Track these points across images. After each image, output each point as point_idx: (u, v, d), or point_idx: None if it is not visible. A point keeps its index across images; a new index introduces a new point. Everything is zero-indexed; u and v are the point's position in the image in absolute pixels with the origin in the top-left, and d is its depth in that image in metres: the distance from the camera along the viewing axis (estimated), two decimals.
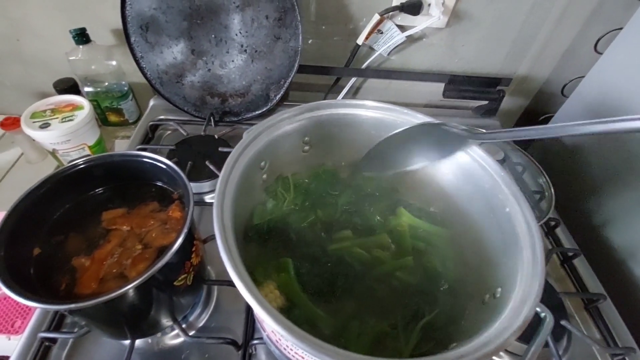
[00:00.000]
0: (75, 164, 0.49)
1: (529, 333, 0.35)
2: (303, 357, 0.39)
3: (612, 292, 0.69)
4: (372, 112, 0.55)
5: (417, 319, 0.44)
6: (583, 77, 0.92)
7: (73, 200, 0.50)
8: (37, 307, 0.36)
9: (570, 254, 0.75)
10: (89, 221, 0.49)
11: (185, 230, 0.42)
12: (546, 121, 1.05)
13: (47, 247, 0.46)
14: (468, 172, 0.50)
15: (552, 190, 0.77)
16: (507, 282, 0.39)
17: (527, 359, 0.34)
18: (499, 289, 0.40)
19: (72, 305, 0.37)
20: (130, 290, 0.39)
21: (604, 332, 0.65)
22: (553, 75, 1.07)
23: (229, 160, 0.44)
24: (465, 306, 0.45)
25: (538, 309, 0.36)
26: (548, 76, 1.08)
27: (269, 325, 0.31)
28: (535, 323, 0.35)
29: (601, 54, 0.88)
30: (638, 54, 0.78)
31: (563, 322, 0.60)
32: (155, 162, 0.50)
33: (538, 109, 1.14)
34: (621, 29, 0.82)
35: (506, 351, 0.60)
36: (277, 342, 0.42)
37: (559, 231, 0.80)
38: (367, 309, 0.46)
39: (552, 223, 0.80)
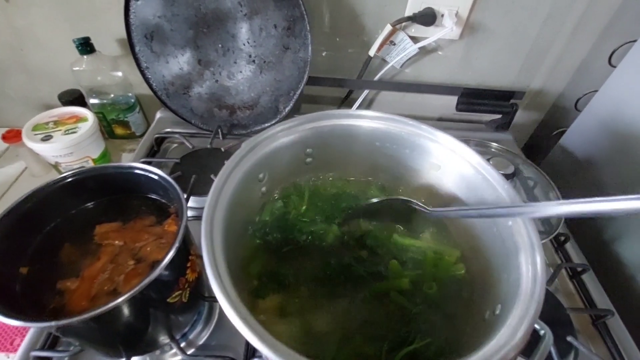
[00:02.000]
0: (64, 176, 0.47)
1: (529, 349, 0.35)
2: None
3: (620, 308, 0.69)
4: (375, 122, 0.53)
5: (402, 345, 0.42)
6: (597, 91, 0.90)
7: (63, 215, 0.48)
8: (20, 326, 0.34)
9: (579, 269, 0.74)
10: (80, 236, 0.47)
11: (176, 244, 0.40)
12: (559, 135, 1.03)
13: (35, 266, 0.44)
14: (472, 185, 0.49)
15: None
16: (508, 299, 0.38)
17: None
18: (499, 306, 0.39)
19: (61, 322, 0.35)
20: (121, 307, 0.38)
21: (611, 349, 0.63)
22: (567, 89, 1.06)
23: (222, 172, 0.43)
24: (464, 330, 0.44)
25: (537, 326, 0.36)
26: (562, 90, 1.07)
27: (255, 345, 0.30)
28: (535, 339, 0.35)
29: (615, 67, 0.86)
30: None
31: (569, 339, 0.59)
32: (148, 174, 0.48)
33: (552, 123, 1.13)
34: (635, 41, 0.81)
35: None
36: None
37: (568, 246, 0.79)
38: (356, 327, 0.45)
39: (562, 238, 0.79)
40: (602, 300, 0.70)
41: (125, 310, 0.40)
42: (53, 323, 0.35)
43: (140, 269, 0.43)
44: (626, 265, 0.79)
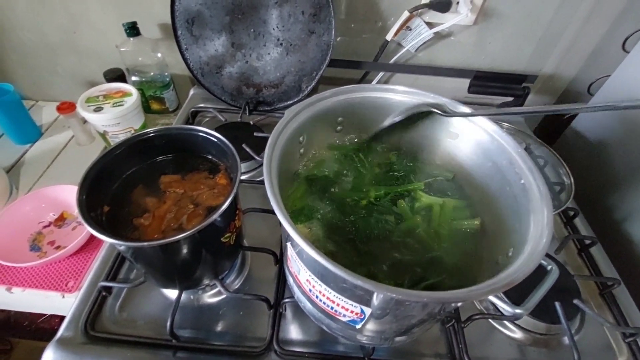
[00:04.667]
0: (144, 132, 0.56)
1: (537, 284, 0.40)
2: (334, 302, 0.44)
3: (628, 282, 0.71)
4: (400, 96, 0.59)
5: (420, 282, 0.48)
6: (609, 75, 0.93)
7: (137, 165, 0.57)
8: (111, 242, 0.42)
9: (588, 242, 0.76)
10: (150, 183, 0.56)
11: (234, 190, 0.48)
12: (571, 119, 1.06)
13: (115, 205, 0.53)
14: (487, 150, 0.54)
15: (572, 179, 0.80)
16: (519, 243, 0.42)
17: (531, 302, 0.37)
18: (512, 249, 0.44)
19: (145, 243, 0.44)
20: (187, 239, 0.46)
21: (617, 317, 0.66)
22: (580, 73, 1.08)
23: (274, 132, 0.49)
24: (477, 273, 0.49)
25: (545, 263, 0.40)
26: (575, 75, 1.09)
27: (302, 245, 0.36)
28: (543, 274, 0.40)
29: (629, 52, 0.88)
30: None
31: (576, 302, 0.63)
32: (207, 136, 0.57)
33: None
34: None
35: (519, 327, 0.64)
36: (310, 290, 0.47)
37: (577, 221, 0.82)
38: (379, 266, 0.51)
39: (571, 213, 0.82)
40: (609, 272, 0.73)
41: (191, 242, 0.49)
42: (146, 243, 0.45)
43: (198, 211, 0.53)
44: (636, 244, 0.81)
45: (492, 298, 0.36)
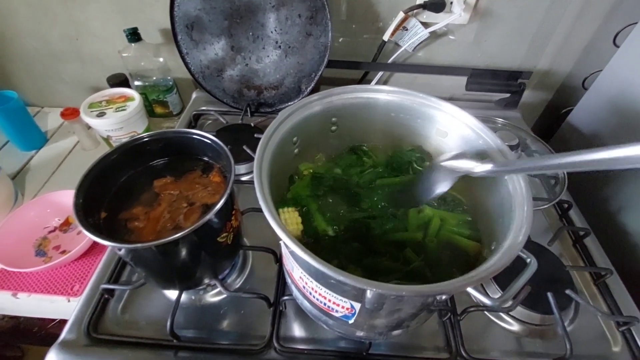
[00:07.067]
0: (139, 137, 0.57)
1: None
2: (325, 297, 0.45)
3: (622, 272, 0.72)
4: (391, 95, 0.61)
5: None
6: (602, 70, 0.94)
7: (134, 169, 0.59)
8: (107, 244, 0.43)
9: (582, 233, 0.77)
10: (145, 187, 0.58)
11: (228, 190, 0.49)
12: (567, 114, 1.08)
13: (111, 211, 0.54)
14: (474, 147, 0.55)
15: (565, 172, 0.82)
16: (500, 237, 0.44)
17: (508, 294, 0.39)
18: (494, 243, 0.46)
19: (139, 245, 0.45)
20: (182, 239, 0.46)
21: (610, 305, 0.68)
22: (575, 69, 1.10)
23: (265, 133, 0.51)
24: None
25: (524, 255, 0.41)
26: (570, 70, 1.11)
27: (286, 242, 0.37)
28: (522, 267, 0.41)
29: (619, 47, 0.90)
30: None
31: (568, 292, 0.64)
32: (201, 138, 0.58)
33: (561, 103, 1.17)
34: (637, 23, 0.84)
35: (514, 318, 0.65)
36: (304, 287, 0.49)
37: (572, 213, 0.83)
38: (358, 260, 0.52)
39: (565, 205, 0.83)
40: (603, 262, 0.74)
41: (186, 242, 0.50)
42: (139, 245, 0.45)
43: (194, 209, 0.54)
44: (631, 234, 0.82)
45: (470, 290, 0.38)
